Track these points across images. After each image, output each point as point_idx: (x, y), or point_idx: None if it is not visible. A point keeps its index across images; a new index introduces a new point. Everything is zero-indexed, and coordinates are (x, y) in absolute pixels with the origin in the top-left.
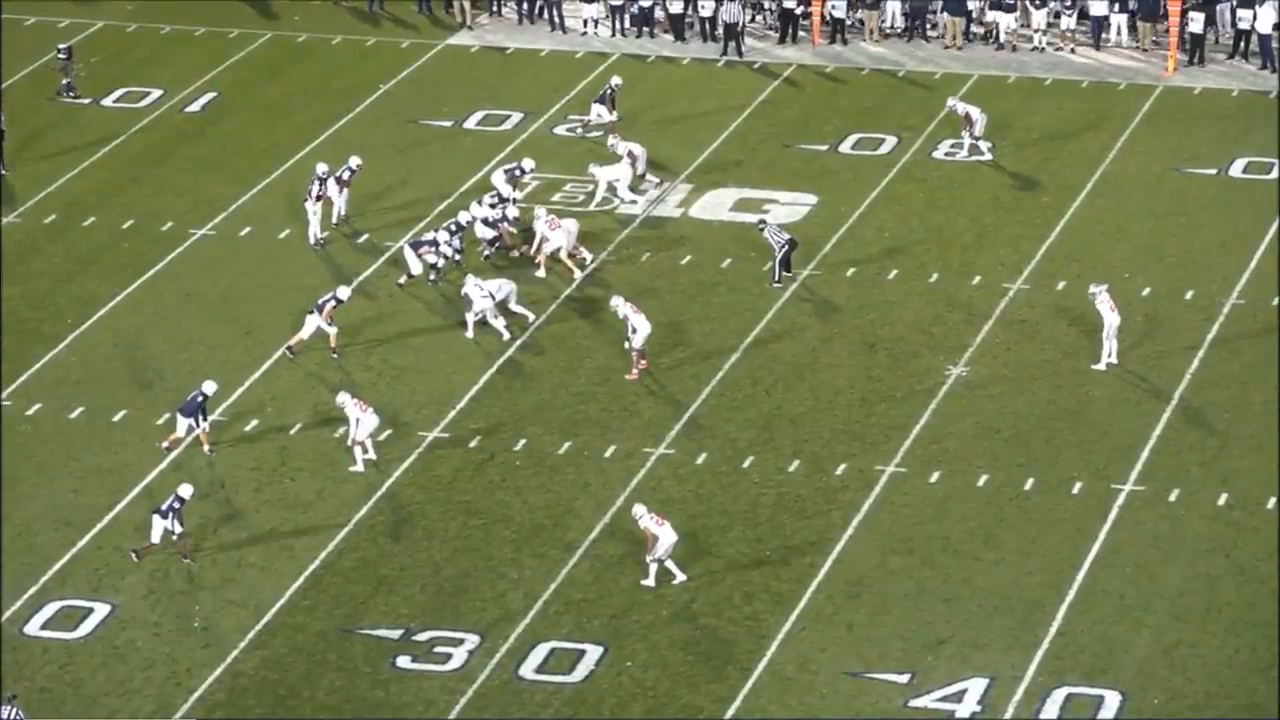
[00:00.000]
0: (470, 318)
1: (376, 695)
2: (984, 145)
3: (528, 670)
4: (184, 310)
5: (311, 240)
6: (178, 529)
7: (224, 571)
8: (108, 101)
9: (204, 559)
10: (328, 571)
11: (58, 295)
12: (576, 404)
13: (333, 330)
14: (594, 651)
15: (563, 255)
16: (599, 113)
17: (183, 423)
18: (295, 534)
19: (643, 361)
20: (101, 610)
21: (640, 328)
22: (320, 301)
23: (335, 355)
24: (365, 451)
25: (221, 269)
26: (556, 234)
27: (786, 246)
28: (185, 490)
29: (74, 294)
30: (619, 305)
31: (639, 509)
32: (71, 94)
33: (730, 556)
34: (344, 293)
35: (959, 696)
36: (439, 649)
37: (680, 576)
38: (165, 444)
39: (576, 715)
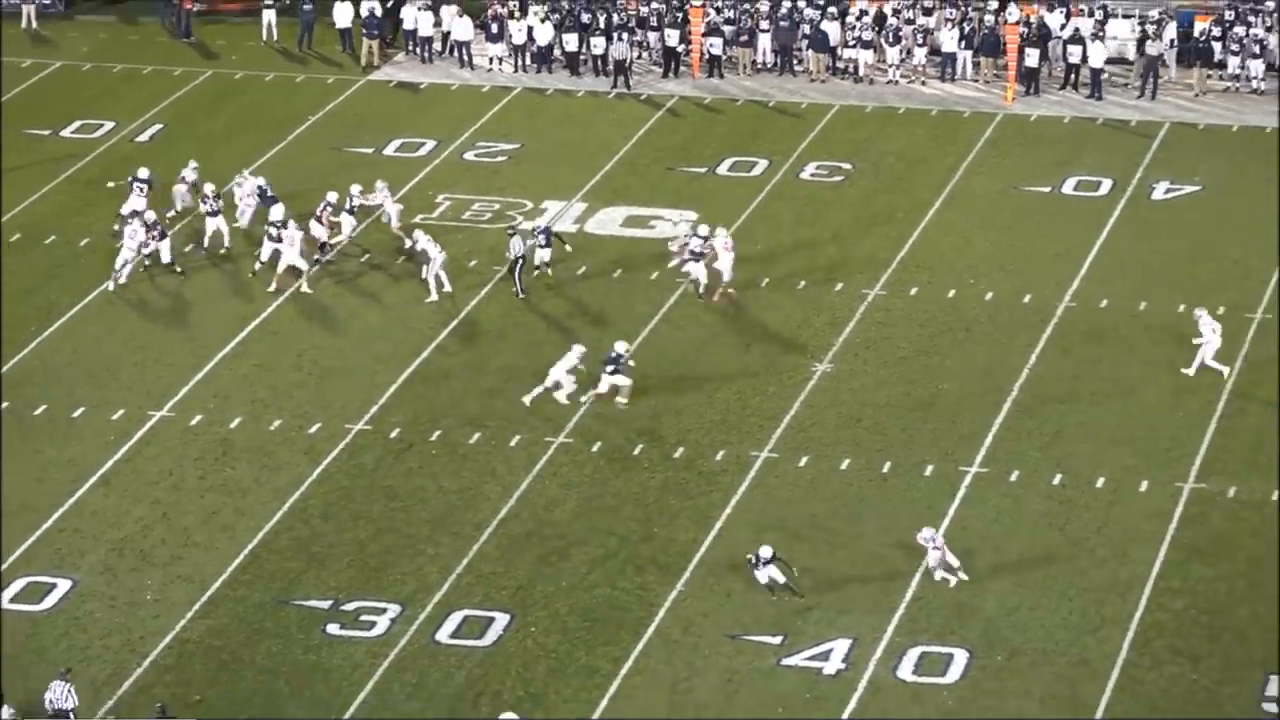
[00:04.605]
0: (430, 275)
1: (309, 659)
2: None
3: (443, 635)
4: (136, 318)
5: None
6: None
7: (173, 550)
8: (66, 132)
9: (155, 540)
10: (265, 549)
11: (22, 305)
12: (485, 399)
13: (327, 232)
14: (502, 618)
15: (394, 226)
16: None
17: (605, 380)
18: (236, 516)
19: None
20: (64, 585)
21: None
22: (317, 212)
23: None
24: (441, 285)
25: (169, 281)
26: (395, 208)
27: (518, 262)
28: (765, 551)
29: (36, 304)
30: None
31: (929, 533)
32: None
33: (623, 533)
34: (332, 196)
35: (826, 655)
36: (364, 617)
37: (960, 576)
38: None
39: (487, 675)
